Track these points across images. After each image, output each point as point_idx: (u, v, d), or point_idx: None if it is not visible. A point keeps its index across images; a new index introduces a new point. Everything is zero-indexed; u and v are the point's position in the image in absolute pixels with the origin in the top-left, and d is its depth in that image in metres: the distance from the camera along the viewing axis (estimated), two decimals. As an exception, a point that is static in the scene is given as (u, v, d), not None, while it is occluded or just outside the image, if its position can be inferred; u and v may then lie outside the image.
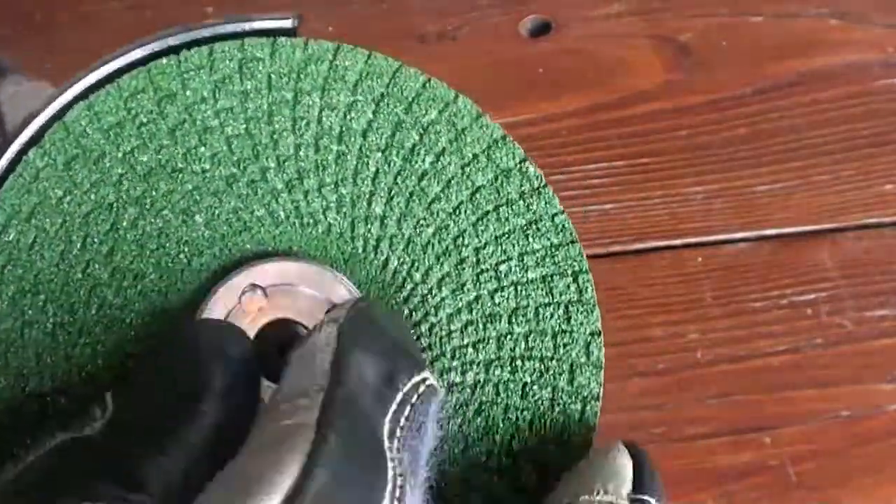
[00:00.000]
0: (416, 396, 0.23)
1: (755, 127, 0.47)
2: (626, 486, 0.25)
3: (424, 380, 0.23)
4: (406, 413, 0.22)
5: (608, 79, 0.48)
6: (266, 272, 0.28)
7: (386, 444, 0.21)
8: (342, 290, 0.28)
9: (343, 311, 0.24)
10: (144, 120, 0.28)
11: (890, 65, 0.48)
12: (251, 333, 0.28)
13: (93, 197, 0.28)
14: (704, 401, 0.42)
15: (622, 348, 0.42)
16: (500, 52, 0.49)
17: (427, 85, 0.29)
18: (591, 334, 0.28)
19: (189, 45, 0.29)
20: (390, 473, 0.20)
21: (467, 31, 0.50)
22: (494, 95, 0.48)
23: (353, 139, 0.29)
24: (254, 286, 0.28)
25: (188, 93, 0.28)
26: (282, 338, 0.27)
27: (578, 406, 0.28)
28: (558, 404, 0.28)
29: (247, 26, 0.29)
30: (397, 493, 0.20)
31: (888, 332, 0.43)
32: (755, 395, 0.42)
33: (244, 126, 0.28)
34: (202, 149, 0.28)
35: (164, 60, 0.29)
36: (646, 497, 0.25)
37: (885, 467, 0.41)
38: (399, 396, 0.22)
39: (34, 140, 0.28)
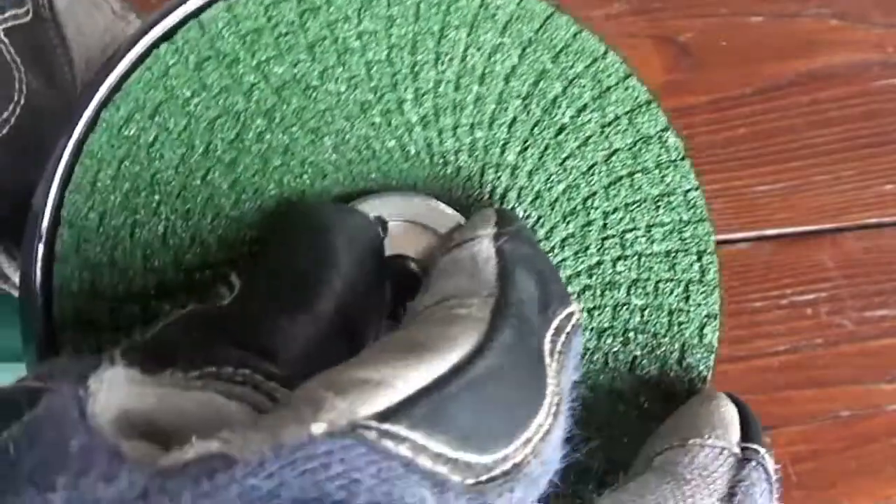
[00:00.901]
0: (569, 326, 0.22)
1: (755, 127, 0.46)
2: (736, 435, 0.25)
3: (573, 313, 0.22)
4: (561, 340, 0.21)
5: (608, 79, 0.48)
6: (389, 205, 0.26)
7: (547, 359, 0.21)
8: None
9: (491, 226, 0.23)
10: (284, 31, 0.27)
11: (890, 65, 0.48)
12: None
13: (221, 102, 0.26)
14: (704, 401, 0.42)
15: (622, 348, 0.42)
16: (500, 52, 0.49)
17: (578, 36, 0.27)
18: (708, 316, 0.27)
19: None
20: (549, 389, 0.20)
21: (467, 31, 0.50)
22: (494, 95, 0.48)
23: (494, 82, 0.27)
24: (376, 218, 0.26)
25: (332, 9, 0.27)
26: (396, 274, 0.26)
27: (685, 387, 0.27)
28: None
29: None
30: (553, 410, 0.20)
31: (888, 332, 0.43)
32: (755, 395, 0.42)
33: (386, 52, 0.27)
34: (340, 69, 0.27)
35: None
36: (756, 446, 0.25)
37: (885, 467, 0.41)
38: (555, 323, 0.22)
39: (166, 35, 0.26)
